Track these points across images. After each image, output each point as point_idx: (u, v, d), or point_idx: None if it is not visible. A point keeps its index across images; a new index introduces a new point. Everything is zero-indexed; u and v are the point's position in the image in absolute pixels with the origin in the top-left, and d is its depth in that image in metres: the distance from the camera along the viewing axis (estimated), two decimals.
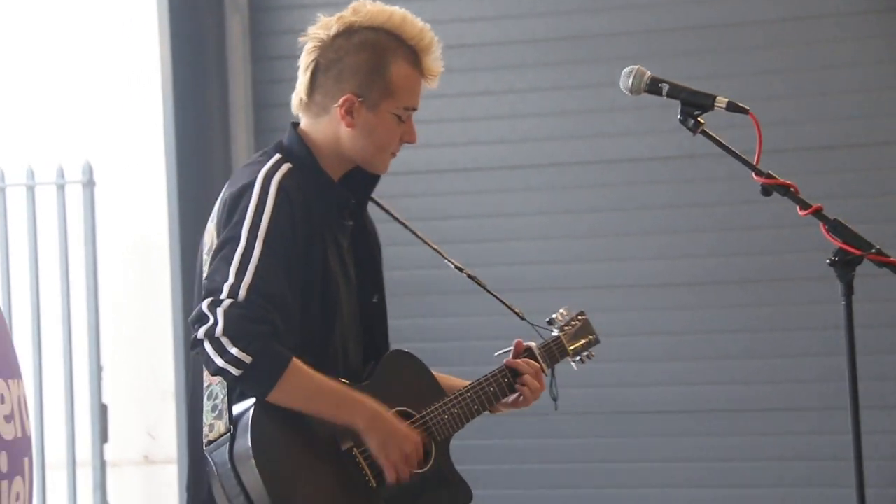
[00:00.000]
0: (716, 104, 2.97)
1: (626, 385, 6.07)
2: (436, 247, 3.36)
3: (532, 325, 3.37)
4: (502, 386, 3.21)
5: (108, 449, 6.02)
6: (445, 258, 3.36)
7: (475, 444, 6.00)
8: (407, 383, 3.13)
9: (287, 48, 6.39)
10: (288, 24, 6.38)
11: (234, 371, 2.81)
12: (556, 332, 3.38)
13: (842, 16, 5.91)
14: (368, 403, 2.95)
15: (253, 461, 2.83)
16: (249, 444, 2.84)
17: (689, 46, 6.03)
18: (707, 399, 6.01)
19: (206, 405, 2.93)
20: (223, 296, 2.83)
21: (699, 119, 2.99)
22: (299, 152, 3.04)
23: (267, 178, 2.95)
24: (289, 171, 2.98)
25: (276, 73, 6.35)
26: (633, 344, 6.07)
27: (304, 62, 3.08)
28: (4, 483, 2.52)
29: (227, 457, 2.86)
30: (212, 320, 2.82)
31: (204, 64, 6.36)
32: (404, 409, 3.07)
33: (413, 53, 3.08)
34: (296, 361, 2.86)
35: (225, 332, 2.80)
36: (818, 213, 2.92)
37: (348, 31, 3.05)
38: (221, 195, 3.04)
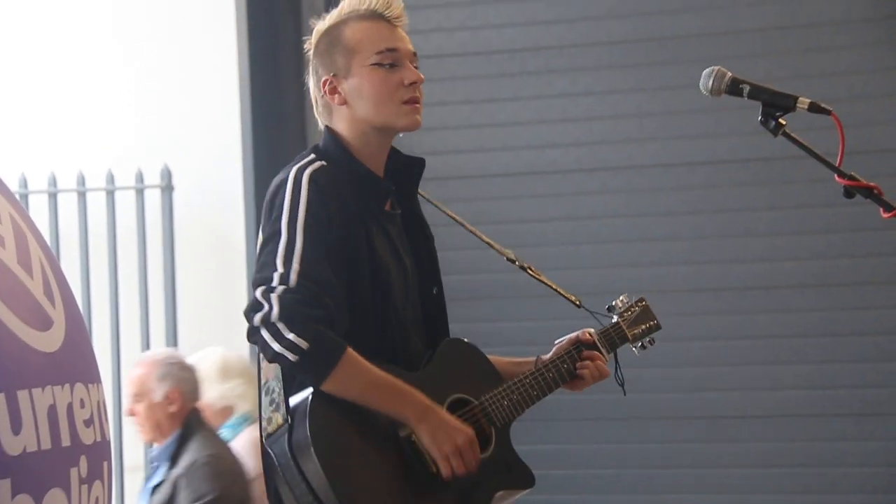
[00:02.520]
0: (798, 105, 2.93)
1: (704, 390, 6.03)
2: (487, 239, 3.40)
3: (591, 312, 3.39)
4: (562, 372, 3.25)
5: None
6: (497, 249, 3.41)
7: (550, 448, 5.99)
8: (464, 371, 3.14)
9: None
10: None
11: (290, 356, 2.82)
12: (615, 319, 3.40)
13: None
14: (419, 397, 2.95)
15: (312, 449, 2.83)
16: (308, 432, 2.85)
17: (771, 47, 5.98)
18: (786, 405, 5.96)
19: (264, 400, 2.96)
20: (274, 283, 2.87)
21: (780, 120, 2.95)
22: (333, 150, 3.10)
23: (298, 173, 3.02)
24: (321, 166, 3.04)
25: None
26: (710, 349, 6.03)
27: (310, 89, 3.22)
28: (84, 487, 2.54)
29: (286, 447, 2.87)
30: (266, 306, 2.84)
31: (281, 68, 6.39)
32: (462, 395, 3.09)
33: (366, 11, 3.14)
34: (350, 351, 2.87)
35: (281, 318, 2.82)
36: None
37: (315, 43, 3.17)
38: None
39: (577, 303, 3.42)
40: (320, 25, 3.16)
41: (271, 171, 6.17)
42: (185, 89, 6.25)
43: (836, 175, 2.89)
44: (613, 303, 3.44)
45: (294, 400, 2.91)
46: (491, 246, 3.42)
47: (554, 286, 3.44)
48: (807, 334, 5.95)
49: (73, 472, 2.50)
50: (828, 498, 5.86)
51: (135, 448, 5.99)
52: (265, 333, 2.84)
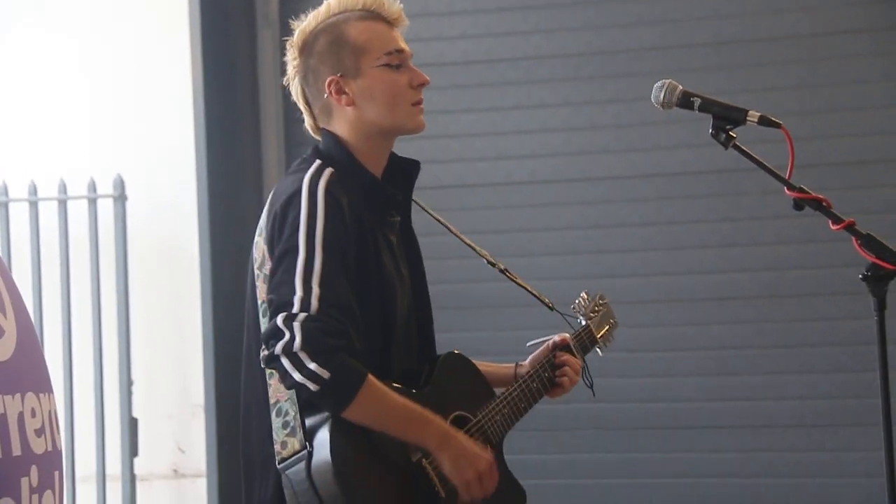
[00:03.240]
0: (748, 118, 2.96)
1: (657, 400, 6.06)
2: (469, 242, 3.40)
3: (563, 315, 3.42)
4: (544, 381, 3.28)
5: (138, 463, 6.03)
6: (478, 251, 3.44)
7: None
8: (462, 386, 3.13)
9: None
10: None
11: (311, 386, 2.78)
12: (583, 321, 3.45)
13: (875, 31, 5.90)
14: (438, 425, 2.93)
15: (332, 476, 2.81)
16: (329, 458, 2.82)
17: (722, 61, 6.02)
18: (738, 415, 5.99)
19: (276, 422, 2.91)
20: (296, 309, 2.80)
21: (731, 133, 2.99)
22: (338, 154, 3.03)
23: (312, 184, 2.94)
24: (332, 174, 2.96)
25: None
26: (662, 359, 6.05)
27: (294, 93, 3.14)
28: (35, 497, 2.53)
29: (304, 474, 2.84)
30: (288, 335, 2.79)
31: (235, 78, 6.38)
32: (462, 413, 3.09)
33: (363, 12, 3.08)
34: (371, 378, 2.84)
35: (303, 347, 2.77)
36: (850, 228, 2.90)
37: (304, 43, 3.08)
38: (267, 208, 3.02)
39: (550, 305, 3.44)
40: (307, 25, 3.08)
41: (225, 180, 6.20)
42: (138, 97, 6.22)
43: (785, 187, 2.92)
44: (577, 301, 3.47)
45: (310, 422, 2.89)
46: (473, 248, 3.43)
47: (529, 288, 3.46)
48: (759, 345, 5.99)
49: (24, 481, 2.49)
50: None
51: (87, 458, 5.97)
52: (285, 362, 2.79)
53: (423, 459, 2.95)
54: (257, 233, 3.02)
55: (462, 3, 6.26)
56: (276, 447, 2.90)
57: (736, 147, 2.99)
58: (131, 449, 5.98)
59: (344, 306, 2.84)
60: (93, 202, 6.03)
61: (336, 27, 3.05)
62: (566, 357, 3.33)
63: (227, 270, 6.13)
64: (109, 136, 6.23)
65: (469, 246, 3.40)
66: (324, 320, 2.80)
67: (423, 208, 3.32)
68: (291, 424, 2.89)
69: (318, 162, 3.01)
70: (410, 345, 3.10)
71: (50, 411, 2.67)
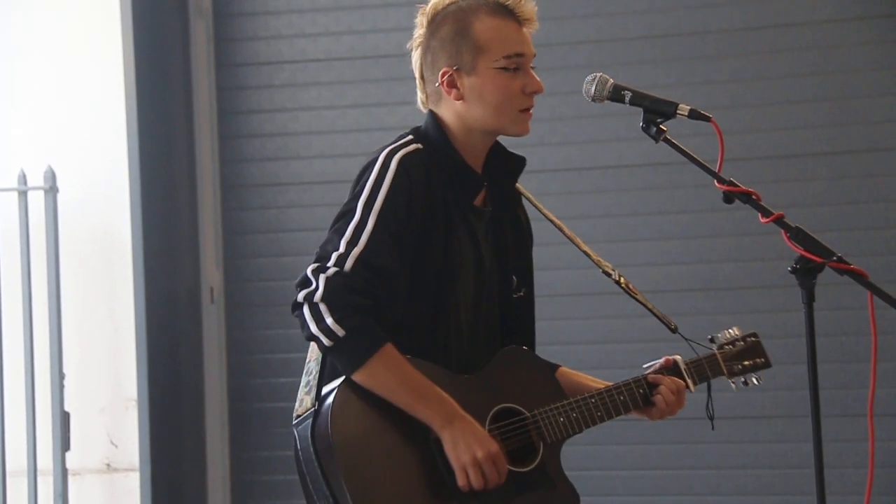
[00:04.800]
0: (678, 112, 2.98)
1: None
2: (585, 248, 3.37)
3: (686, 339, 3.38)
4: (635, 396, 3.20)
5: (70, 457, 5.97)
6: (593, 259, 3.43)
7: None
8: (521, 380, 3.07)
9: (251, 54, 6.38)
10: (252, 30, 6.36)
11: (325, 341, 2.81)
12: (714, 349, 3.36)
13: (806, 25, 5.94)
14: (448, 404, 2.90)
15: (332, 442, 2.81)
16: (329, 424, 2.82)
17: (656, 55, 6.04)
18: None
19: (302, 380, 2.94)
20: (329, 263, 2.84)
21: (662, 127, 3.00)
22: (433, 134, 3.03)
23: (389, 155, 2.96)
24: (415, 150, 2.98)
25: (240, 80, 6.32)
26: (595, 351, 6.06)
27: (414, 62, 3.14)
28: None
29: (308, 431, 2.85)
30: (314, 285, 2.82)
31: (168, 69, 6.33)
32: (512, 405, 3.03)
33: (496, 5, 3.06)
34: (389, 347, 2.84)
35: (324, 299, 2.80)
36: (779, 221, 2.92)
37: (433, 18, 3.07)
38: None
39: (674, 327, 3.42)
40: (441, 0, 3.05)
41: (158, 170, 6.16)
42: (69, 87, 6.16)
43: (715, 181, 2.94)
44: (717, 334, 3.38)
45: (327, 388, 2.89)
46: (588, 255, 3.39)
47: (651, 307, 3.42)
48: (692, 337, 6.01)
49: None
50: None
51: (18, 452, 5.91)
52: (306, 312, 2.82)
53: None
54: None
55: None
56: (296, 404, 2.93)
57: (666, 140, 3.01)
58: (63, 443, 5.92)
59: (382, 270, 2.85)
60: (23, 194, 5.96)
61: (465, 17, 3.03)
62: (663, 377, 3.25)
63: (161, 262, 6.08)
64: (40, 128, 6.17)
65: (586, 254, 3.36)
66: (352, 278, 2.82)
67: (536, 207, 3.30)
68: (311, 384, 2.91)
69: (409, 137, 3.03)
70: (484, 334, 3.06)
71: None
